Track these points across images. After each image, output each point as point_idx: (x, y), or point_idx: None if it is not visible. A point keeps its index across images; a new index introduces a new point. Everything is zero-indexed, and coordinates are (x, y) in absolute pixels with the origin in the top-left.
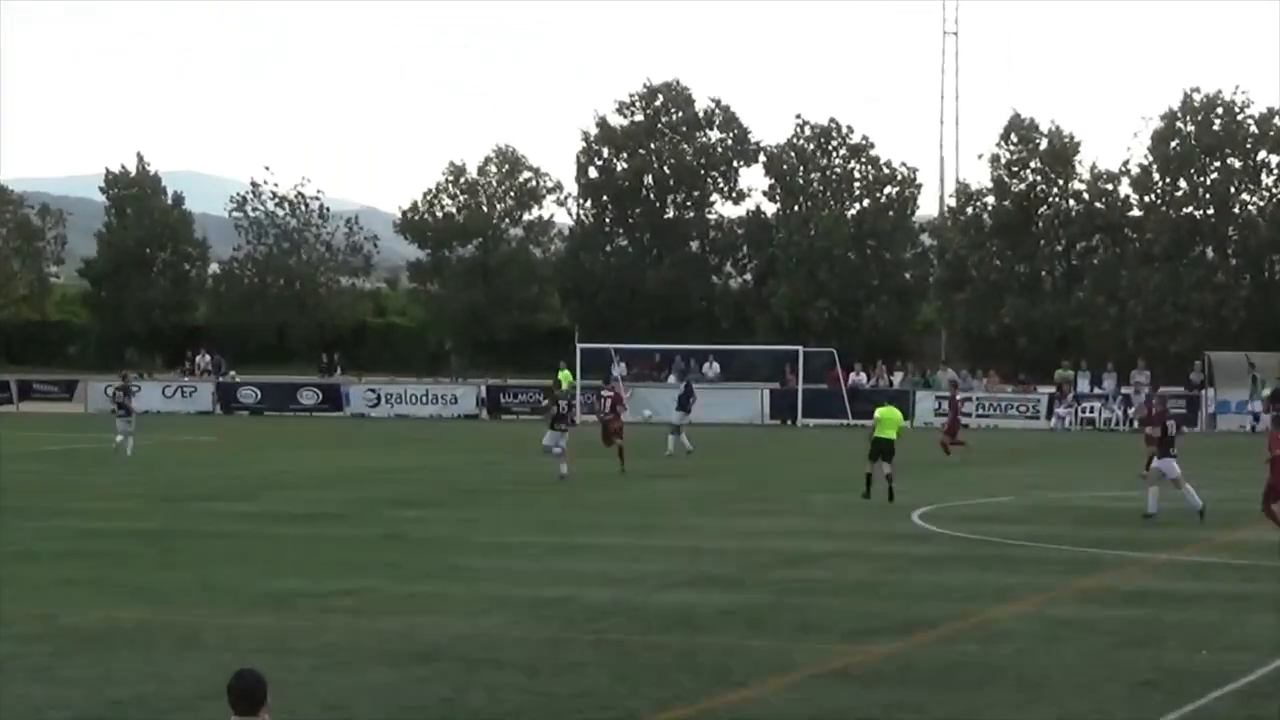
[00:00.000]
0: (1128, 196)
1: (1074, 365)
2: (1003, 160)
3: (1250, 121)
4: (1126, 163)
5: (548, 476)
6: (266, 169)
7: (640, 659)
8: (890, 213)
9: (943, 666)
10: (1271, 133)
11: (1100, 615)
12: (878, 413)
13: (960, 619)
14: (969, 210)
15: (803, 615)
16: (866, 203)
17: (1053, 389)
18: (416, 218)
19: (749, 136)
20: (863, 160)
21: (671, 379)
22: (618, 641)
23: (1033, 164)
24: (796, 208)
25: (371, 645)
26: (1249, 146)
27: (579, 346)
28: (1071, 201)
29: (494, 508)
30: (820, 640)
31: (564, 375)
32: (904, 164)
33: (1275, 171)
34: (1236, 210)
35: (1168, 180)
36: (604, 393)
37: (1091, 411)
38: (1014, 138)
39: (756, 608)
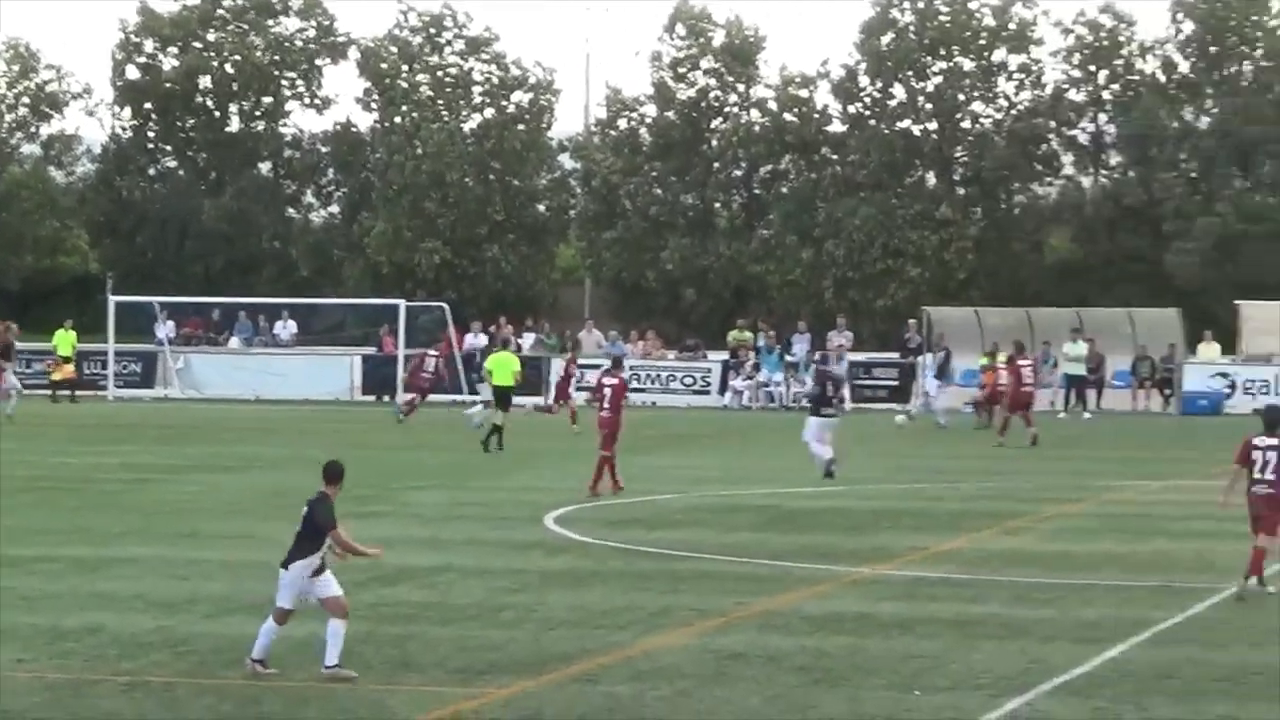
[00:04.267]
0: (826, 107)
1: (754, 325)
2: (666, 59)
3: (984, 12)
4: (826, 63)
5: (76, 470)
6: None
7: (190, 706)
8: (520, 126)
9: (582, 713)
10: (1011, 25)
11: (785, 646)
12: (488, 362)
13: (605, 652)
14: (622, 124)
15: (401, 648)
16: (490, 113)
17: (727, 355)
18: None
19: (336, 27)
20: (484, 59)
21: (234, 342)
22: (161, 684)
23: (705, 64)
24: (399, 119)
25: None
26: (982, 43)
27: (112, 300)
28: (755, 113)
29: None
30: (424, 680)
31: (63, 337)
32: (538, 64)
33: (1015, 75)
34: (966, 124)
35: (879, 86)
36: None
37: (778, 384)
38: (681, 30)
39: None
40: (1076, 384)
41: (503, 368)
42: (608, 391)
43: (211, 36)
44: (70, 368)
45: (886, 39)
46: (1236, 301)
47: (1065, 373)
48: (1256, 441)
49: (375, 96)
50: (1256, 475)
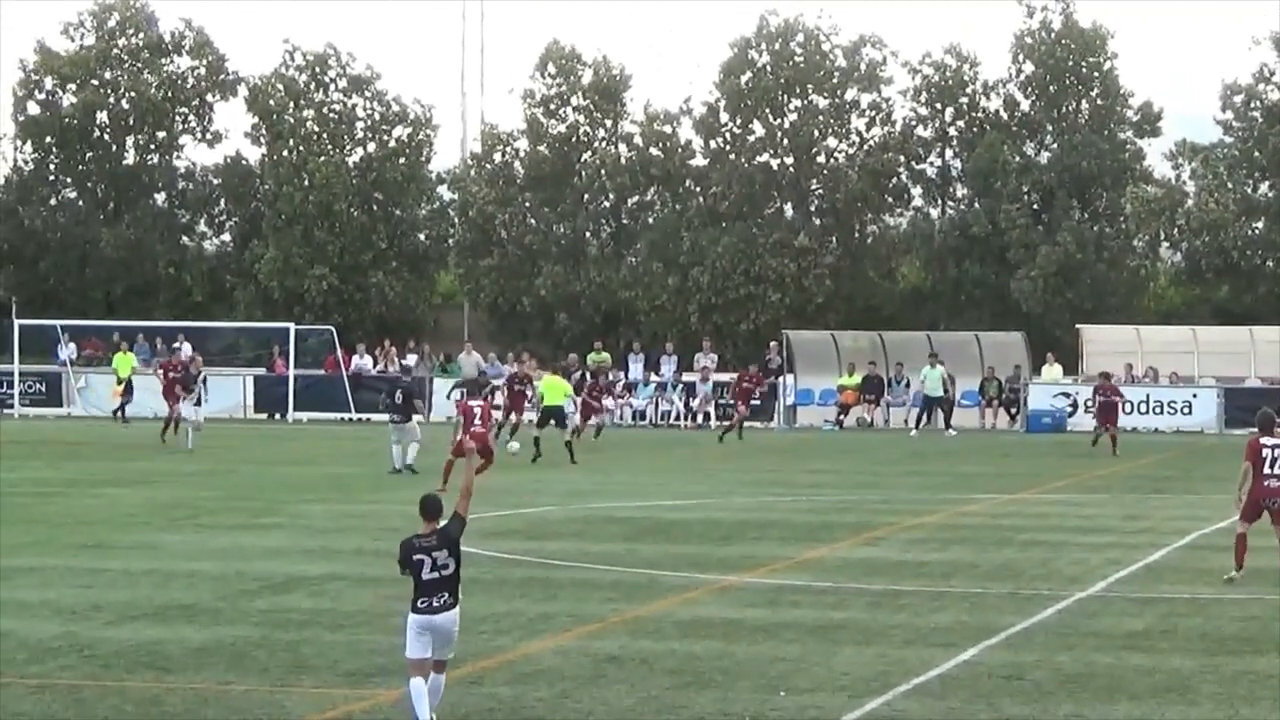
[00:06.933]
0: (689, 142)
1: (631, 347)
2: (538, 96)
3: (837, 53)
4: (688, 100)
5: None
6: None
7: (96, 707)
8: (401, 160)
9: (465, 713)
10: (862, 66)
11: (657, 650)
12: (540, 384)
13: (487, 655)
14: (497, 157)
15: (296, 653)
16: (372, 147)
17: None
18: None
19: (226, 65)
20: (367, 96)
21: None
22: (68, 687)
23: (574, 101)
24: (286, 153)
25: None
26: (835, 82)
27: (17, 323)
28: (622, 147)
29: None
30: (317, 683)
31: None
32: (417, 101)
33: (866, 113)
34: (821, 159)
35: (739, 122)
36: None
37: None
38: (552, 69)
39: (239, 644)
40: (935, 404)
41: (555, 389)
42: (477, 411)
43: (108, 74)
44: None
45: (745, 78)
46: (1078, 325)
47: (925, 394)
48: (1264, 441)
49: (264, 131)
50: (1266, 470)
